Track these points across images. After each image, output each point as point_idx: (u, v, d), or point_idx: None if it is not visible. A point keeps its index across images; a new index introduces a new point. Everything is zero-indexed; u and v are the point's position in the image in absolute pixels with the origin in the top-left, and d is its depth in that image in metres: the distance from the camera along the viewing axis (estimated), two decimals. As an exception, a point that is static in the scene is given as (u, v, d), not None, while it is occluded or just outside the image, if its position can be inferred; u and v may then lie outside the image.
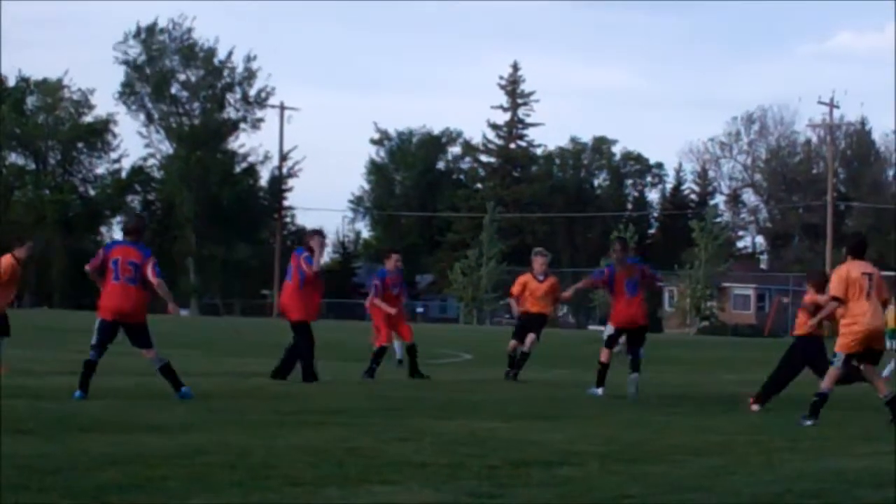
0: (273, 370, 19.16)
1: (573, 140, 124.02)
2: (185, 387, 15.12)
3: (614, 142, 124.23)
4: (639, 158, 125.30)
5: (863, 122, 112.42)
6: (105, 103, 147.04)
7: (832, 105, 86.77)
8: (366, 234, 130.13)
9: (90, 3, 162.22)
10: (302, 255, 18.99)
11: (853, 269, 14.24)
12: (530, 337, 20.92)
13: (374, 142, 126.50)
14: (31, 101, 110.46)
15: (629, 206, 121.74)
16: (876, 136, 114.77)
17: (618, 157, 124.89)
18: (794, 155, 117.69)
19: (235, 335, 42.54)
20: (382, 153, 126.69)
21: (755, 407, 16.38)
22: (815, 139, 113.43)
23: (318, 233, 19.56)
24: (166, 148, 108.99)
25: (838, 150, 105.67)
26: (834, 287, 14.22)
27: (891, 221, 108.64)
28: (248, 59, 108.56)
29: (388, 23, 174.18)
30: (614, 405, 15.34)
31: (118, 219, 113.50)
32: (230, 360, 24.97)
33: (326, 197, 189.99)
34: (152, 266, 15.01)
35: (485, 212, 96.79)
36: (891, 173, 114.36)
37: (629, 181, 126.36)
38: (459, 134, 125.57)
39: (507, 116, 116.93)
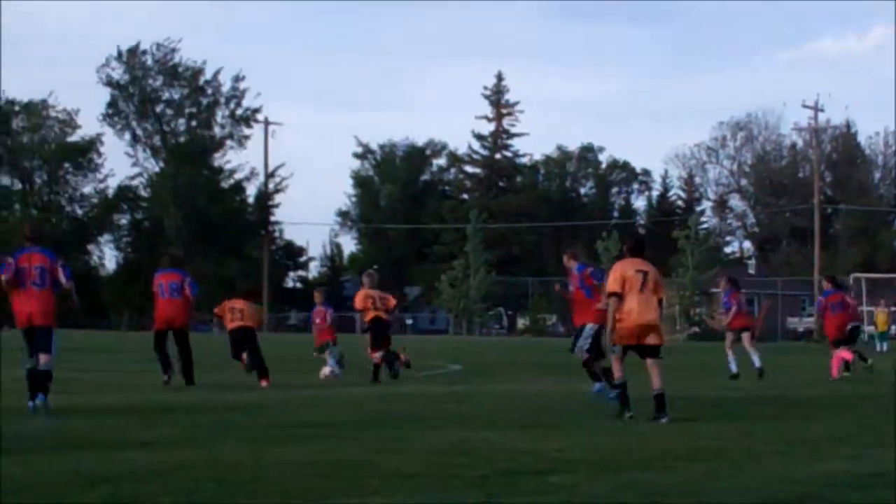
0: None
1: (559, 149, 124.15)
2: (41, 397, 15.13)
3: (600, 150, 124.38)
4: (625, 166, 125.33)
5: (848, 125, 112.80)
6: (90, 124, 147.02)
7: (817, 108, 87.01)
8: (353, 247, 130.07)
9: (72, 25, 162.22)
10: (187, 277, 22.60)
11: (629, 266, 14.90)
12: None
13: (357, 155, 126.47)
14: (16, 122, 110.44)
15: (615, 213, 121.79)
16: (861, 138, 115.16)
17: (604, 165, 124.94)
18: (780, 159, 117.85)
19: None
20: (367, 166, 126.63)
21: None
22: (800, 143, 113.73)
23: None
24: (152, 166, 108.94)
25: (824, 154, 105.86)
26: (610, 283, 14.87)
27: (878, 223, 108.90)
28: (237, 78, 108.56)
29: (368, 36, 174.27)
30: (603, 414, 15.33)
31: (106, 237, 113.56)
32: (218, 375, 24.94)
33: (313, 211, 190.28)
34: (62, 270, 15.44)
35: (470, 222, 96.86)
36: (877, 175, 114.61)
37: (615, 189, 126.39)
38: (444, 146, 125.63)
39: (491, 127, 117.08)
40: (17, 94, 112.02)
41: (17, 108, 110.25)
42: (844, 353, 26.53)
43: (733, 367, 26.43)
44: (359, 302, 24.51)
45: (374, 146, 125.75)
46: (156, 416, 14.57)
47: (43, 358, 15.30)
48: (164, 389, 20.77)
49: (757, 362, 26.25)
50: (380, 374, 24.06)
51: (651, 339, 14.75)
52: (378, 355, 24.13)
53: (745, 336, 26.89)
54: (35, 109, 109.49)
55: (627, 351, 14.88)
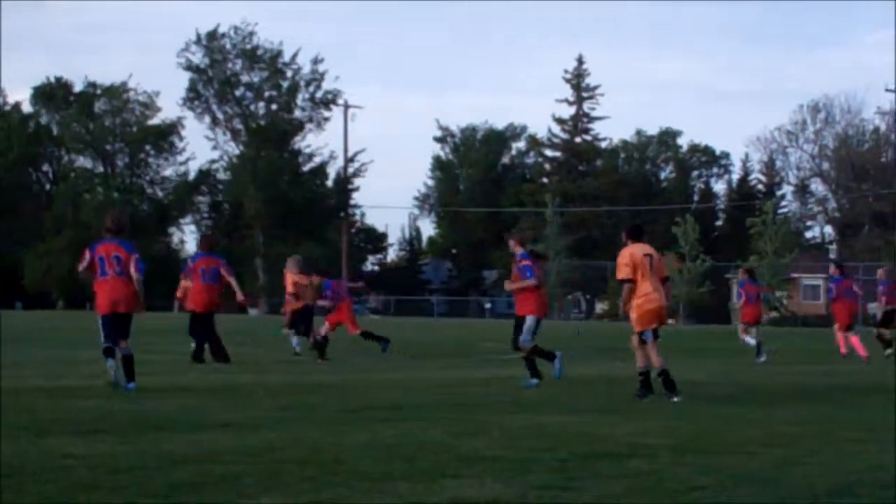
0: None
1: (638, 133, 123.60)
2: (131, 385, 15.61)
3: (680, 133, 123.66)
4: (705, 150, 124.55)
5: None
6: (171, 108, 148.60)
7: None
8: (431, 231, 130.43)
9: (151, 8, 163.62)
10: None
11: (637, 251, 15.38)
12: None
13: (437, 139, 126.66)
14: (97, 105, 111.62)
15: (695, 197, 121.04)
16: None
17: (684, 148, 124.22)
18: (863, 143, 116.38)
19: None
20: (447, 150, 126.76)
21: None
22: (883, 127, 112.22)
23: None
24: (232, 149, 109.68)
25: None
26: (624, 271, 15.30)
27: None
28: (315, 61, 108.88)
29: (449, 19, 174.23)
30: (682, 398, 15.26)
31: (187, 220, 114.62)
32: (298, 358, 25.12)
33: (392, 194, 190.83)
34: (135, 262, 15.76)
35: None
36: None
37: (695, 173, 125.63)
38: (524, 129, 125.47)
39: (572, 110, 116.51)
40: (99, 77, 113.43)
41: (98, 91, 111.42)
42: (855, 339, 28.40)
43: (751, 343, 28.38)
44: (289, 286, 26.35)
45: (454, 129, 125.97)
46: (235, 398, 14.70)
47: (123, 343, 15.77)
48: (242, 371, 20.90)
49: (752, 342, 28.54)
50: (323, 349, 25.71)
51: (662, 321, 15.52)
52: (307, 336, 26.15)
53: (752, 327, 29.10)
54: (116, 92, 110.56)
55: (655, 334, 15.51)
